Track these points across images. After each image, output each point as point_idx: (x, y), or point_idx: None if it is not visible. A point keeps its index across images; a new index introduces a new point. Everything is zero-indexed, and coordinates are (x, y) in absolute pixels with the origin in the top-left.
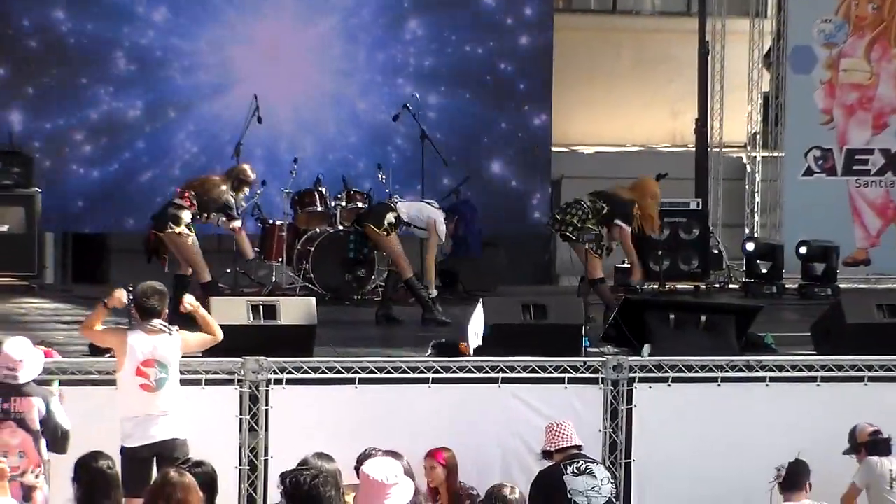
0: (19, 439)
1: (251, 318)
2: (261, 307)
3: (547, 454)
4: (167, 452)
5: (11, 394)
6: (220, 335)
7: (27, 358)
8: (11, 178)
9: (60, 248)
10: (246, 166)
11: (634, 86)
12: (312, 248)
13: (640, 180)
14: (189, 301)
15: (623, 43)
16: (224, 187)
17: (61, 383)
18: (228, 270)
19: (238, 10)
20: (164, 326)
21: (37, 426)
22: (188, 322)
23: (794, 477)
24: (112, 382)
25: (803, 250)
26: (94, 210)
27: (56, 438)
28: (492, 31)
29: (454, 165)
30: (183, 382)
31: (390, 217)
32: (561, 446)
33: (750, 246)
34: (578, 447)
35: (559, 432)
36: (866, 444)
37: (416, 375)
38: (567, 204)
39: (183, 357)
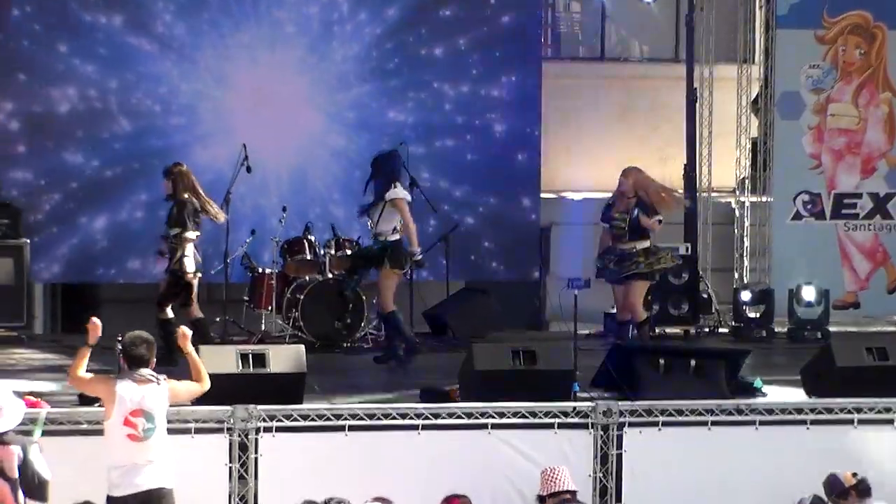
0: None
1: (241, 367)
2: (250, 355)
3: (541, 499)
4: (154, 502)
5: None
6: (207, 384)
7: (7, 406)
8: (0, 229)
9: (50, 299)
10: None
11: (623, 132)
12: (302, 296)
13: (631, 176)
14: (186, 331)
15: (611, 89)
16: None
17: (48, 433)
18: (218, 319)
19: (226, 59)
20: (153, 376)
21: (15, 474)
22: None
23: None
24: (101, 432)
25: (811, 297)
26: (83, 260)
27: (33, 487)
28: (479, 78)
29: (443, 212)
30: (172, 431)
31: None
32: (554, 491)
33: (745, 295)
34: (573, 492)
35: (553, 477)
36: (856, 488)
37: (406, 422)
38: (643, 250)
39: (171, 407)
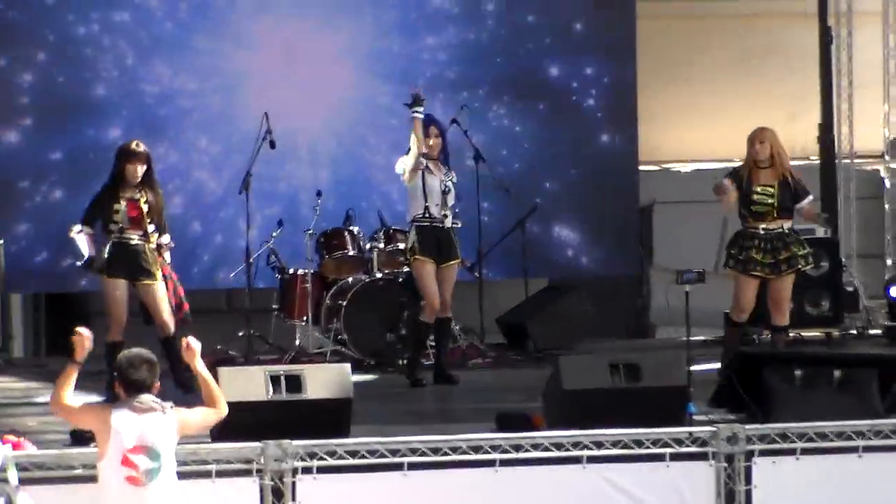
0: None
1: (271, 393)
2: (282, 378)
3: None
4: None
5: None
6: (224, 410)
7: None
8: None
9: (31, 313)
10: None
11: (739, 85)
12: (345, 303)
13: (768, 139)
14: (191, 343)
15: (723, 32)
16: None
17: (33, 482)
18: (241, 333)
19: (244, 11)
20: (157, 403)
21: None
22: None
23: None
24: (95, 479)
25: None
26: (68, 266)
27: None
28: (556, 19)
29: (517, 192)
30: (187, 475)
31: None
32: None
33: None
34: None
35: None
36: None
37: (480, 457)
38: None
39: (183, 442)
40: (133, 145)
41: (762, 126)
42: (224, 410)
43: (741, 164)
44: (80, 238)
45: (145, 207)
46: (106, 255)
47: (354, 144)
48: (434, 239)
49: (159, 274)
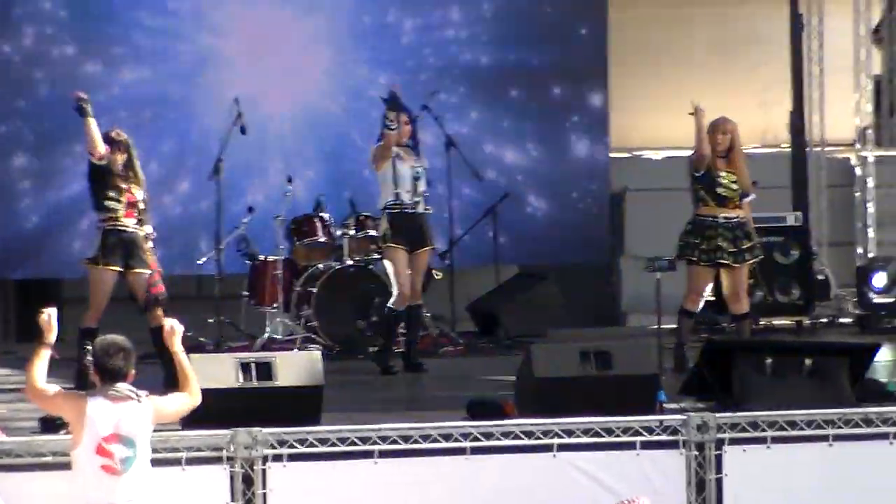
0: None
1: (241, 380)
2: (253, 366)
3: None
4: None
5: None
6: (198, 396)
7: None
8: None
9: (1, 300)
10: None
11: (710, 73)
12: (315, 289)
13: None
14: (175, 326)
15: (696, 21)
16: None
17: (2, 468)
18: (211, 320)
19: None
20: (132, 392)
21: None
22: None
23: None
24: (69, 465)
25: None
26: (39, 251)
27: None
28: (527, 16)
29: (488, 179)
30: (158, 462)
31: None
32: None
33: (872, 276)
34: None
35: None
36: None
37: (451, 445)
38: (727, 225)
39: (153, 430)
40: (113, 134)
41: (726, 117)
42: (198, 397)
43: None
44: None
45: (138, 195)
46: (99, 243)
47: (326, 131)
48: (406, 226)
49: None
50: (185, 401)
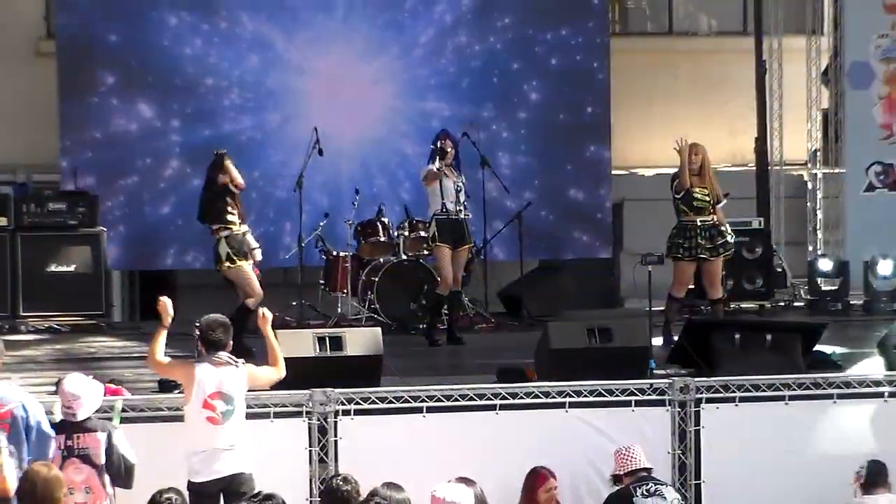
0: (84, 475)
1: (318, 350)
2: (327, 339)
3: (617, 478)
4: (234, 487)
5: (74, 430)
6: (283, 371)
7: (85, 394)
8: (77, 217)
9: (127, 287)
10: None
11: (692, 106)
12: (377, 279)
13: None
14: (266, 313)
15: (680, 64)
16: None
17: (129, 420)
18: (294, 303)
19: (298, 44)
20: (231, 359)
21: (101, 460)
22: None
23: (875, 476)
24: (181, 418)
25: (887, 271)
26: (159, 247)
27: (120, 473)
28: (548, 55)
29: (515, 191)
30: (251, 416)
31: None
32: (630, 469)
33: (820, 268)
34: (647, 469)
35: (627, 455)
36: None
37: (483, 403)
38: (703, 227)
39: (249, 391)
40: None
41: (697, 142)
42: (283, 372)
43: (678, 169)
44: None
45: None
46: (232, 245)
47: (386, 152)
48: (450, 229)
49: None
50: (273, 374)
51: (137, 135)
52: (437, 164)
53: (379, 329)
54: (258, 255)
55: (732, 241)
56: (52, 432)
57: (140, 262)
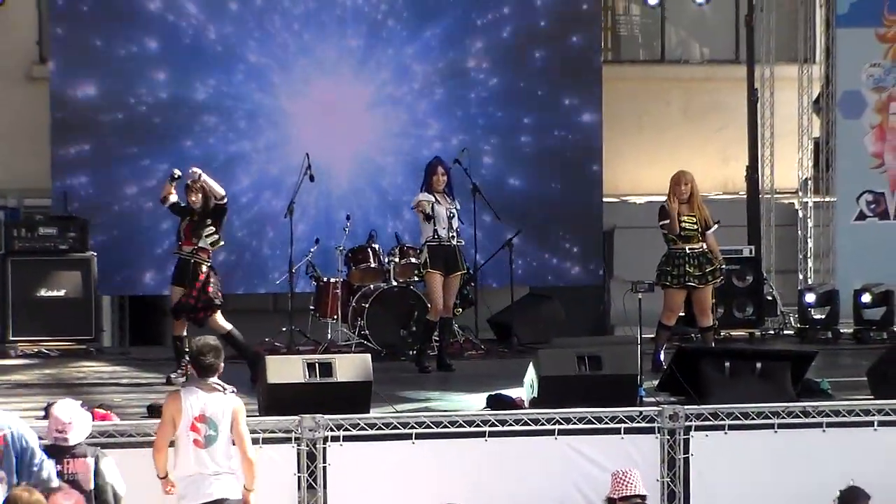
0: (73, 501)
1: (307, 376)
2: (317, 365)
3: (611, 501)
4: None
5: (64, 455)
6: (253, 471)
7: (76, 419)
8: (67, 242)
9: (117, 312)
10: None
11: (684, 134)
12: (367, 305)
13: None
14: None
15: (672, 91)
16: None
17: (117, 446)
18: (284, 329)
19: (290, 70)
20: (219, 385)
21: (90, 486)
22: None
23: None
24: (172, 444)
25: (866, 299)
26: (149, 272)
27: (107, 499)
28: (541, 83)
29: (505, 218)
30: None
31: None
32: (625, 494)
33: (810, 297)
34: (642, 497)
35: (624, 480)
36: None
37: (473, 429)
38: (692, 255)
39: None
40: (189, 182)
41: (685, 170)
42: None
43: (666, 198)
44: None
45: None
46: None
47: (377, 178)
48: (442, 256)
49: None
50: (248, 446)
51: (128, 160)
52: (426, 195)
53: (369, 355)
54: None
55: (722, 268)
56: (45, 456)
57: (129, 287)
